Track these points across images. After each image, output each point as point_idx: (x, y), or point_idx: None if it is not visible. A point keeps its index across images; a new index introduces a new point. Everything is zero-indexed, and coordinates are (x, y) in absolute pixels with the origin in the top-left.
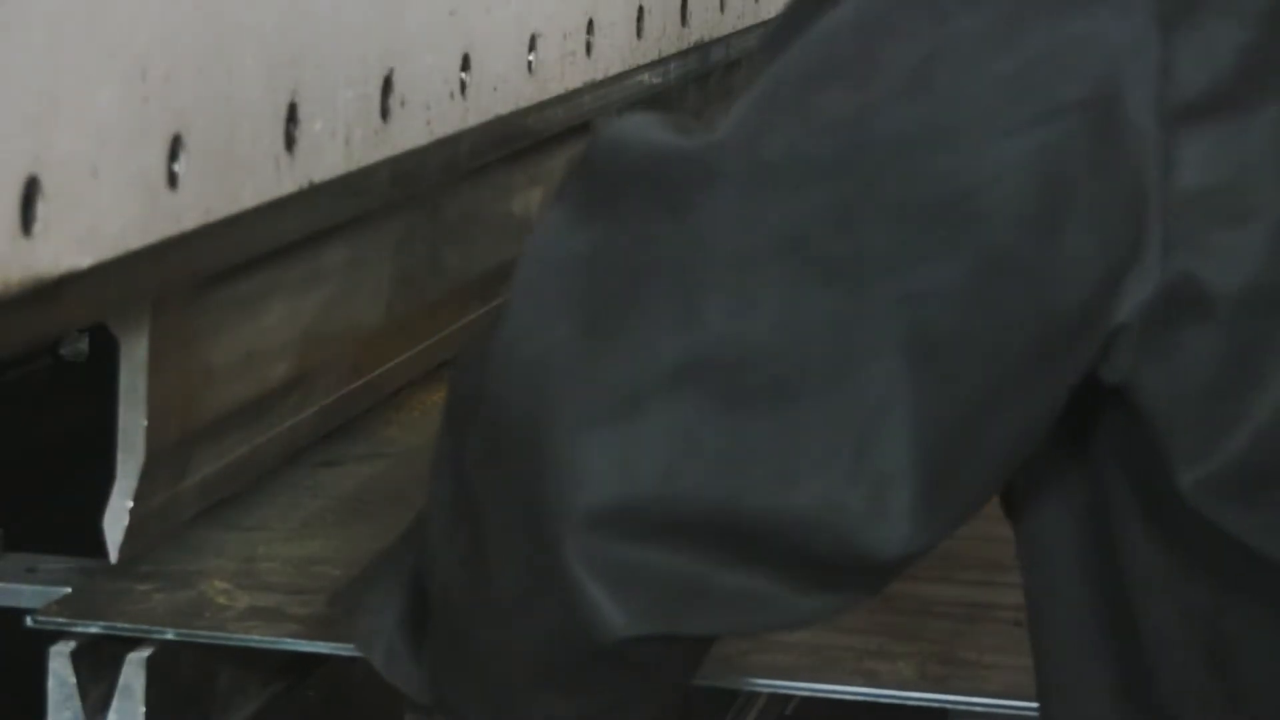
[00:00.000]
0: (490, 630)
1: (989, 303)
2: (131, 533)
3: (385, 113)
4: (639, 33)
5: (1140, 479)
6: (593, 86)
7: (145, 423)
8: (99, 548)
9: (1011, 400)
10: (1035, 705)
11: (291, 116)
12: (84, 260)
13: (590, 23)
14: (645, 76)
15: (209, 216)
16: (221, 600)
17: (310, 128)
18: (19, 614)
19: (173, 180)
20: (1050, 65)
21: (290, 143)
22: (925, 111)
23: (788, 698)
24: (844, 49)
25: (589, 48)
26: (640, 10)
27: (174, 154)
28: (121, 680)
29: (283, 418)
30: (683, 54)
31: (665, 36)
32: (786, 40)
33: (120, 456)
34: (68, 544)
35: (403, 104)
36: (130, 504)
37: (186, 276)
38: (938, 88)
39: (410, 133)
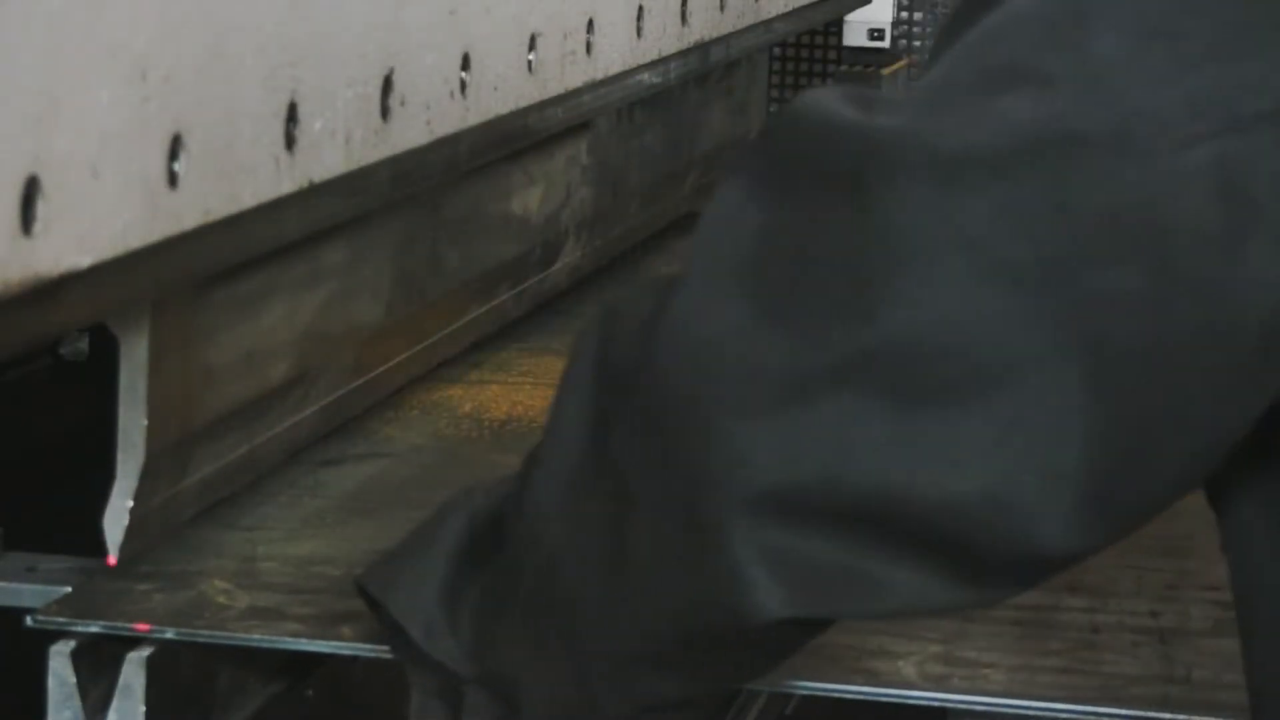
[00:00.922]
0: (609, 606)
1: (1167, 315)
2: (131, 533)
3: (385, 112)
4: (639, 32)
5: None
6: (593, 86)
7: (145, 423)
8: (99, 547)
9: (1189, 417)
10: (1034, 705)
11: (291, 116)
12: (84, 260)
13: (590, 22)
14: (645, 76)
15: (209, 216)
16: (221, 600)
17: (310, 127)
18: (19, 613)
19: (173, 180)
20: (1239, 79)
21: (290, 142)
22: (1109, 116)
23: (788, 697)
24: (1027, 49)
25: (589, 47)
26: (640, 10)
27: (174, 154)
28: (121, 680)
29: (283, 417)
30: (683, 53)
31: (665, 36)
32: (968, 23)
33: (120, 456)
34: (68, 544)
35: (403, 103)
36: (130, 504)
37: (186, 276)
38: (1123, 93)
39: (410, 132)
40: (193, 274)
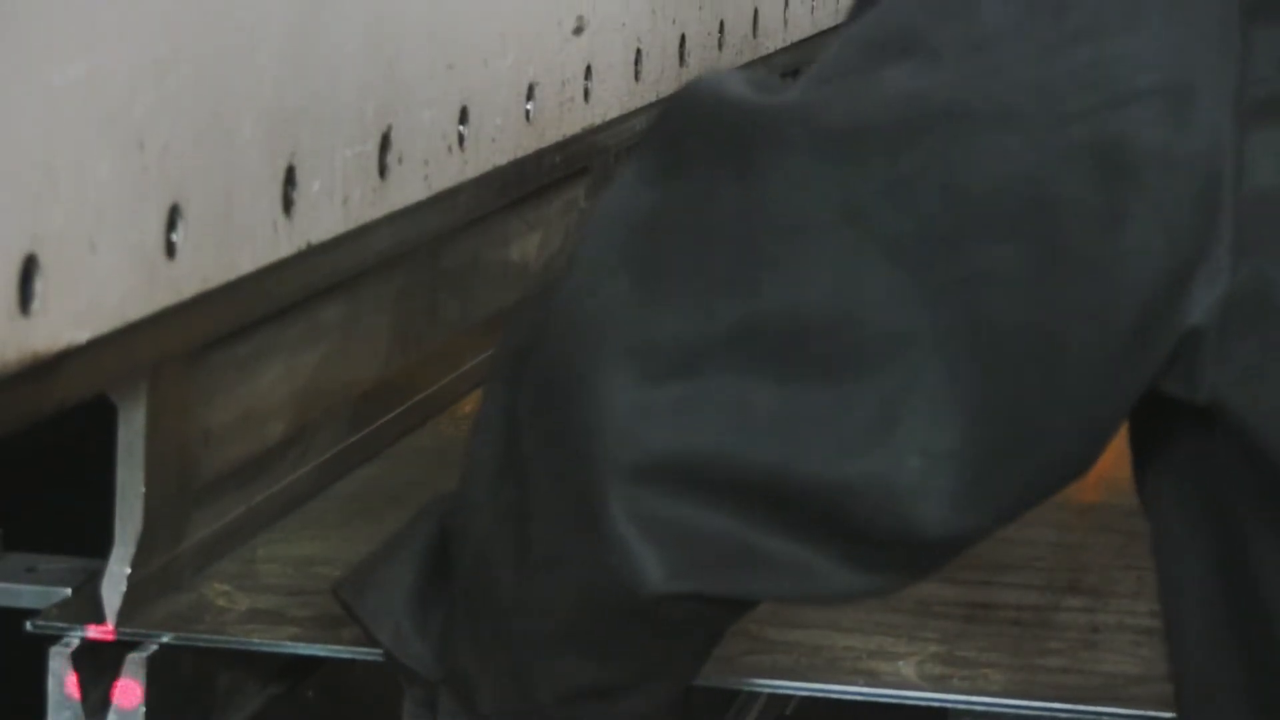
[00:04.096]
0: (522, 587)
1: (1048, 292)
2: (130, 597)
3: (383, 170)
4: (637, 75)
5: (1262, 489)
6: (591, 131)
7: (143, 489)
8: (99, 548)
9: (1069, 396)
10: (1034, 705)
11: (289, 179)
12: (82, 335)
13: (588, 68)
14: (644, 119)
15: (207, 284)
16: (222, 602)
17: (308, 189)
18: (19, 614)
19: (170, 250)
20: (1122, 53)
21: (288, 205)
22: (993, 89)
23: (788, 698)
24: (915, 20)
25: (587, 93)
26: (638, 53)
27: (172, 224)
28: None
29: (281, 475)
30: None
31: (664, 78)
32: (864, 10)
33: (118, 523)
34: (68, 544)
35: (400, 160)
36: (128, 570)
37: (185, 344)
38: (1007, 66)
39: (408, 188)
40: (191, 342)
